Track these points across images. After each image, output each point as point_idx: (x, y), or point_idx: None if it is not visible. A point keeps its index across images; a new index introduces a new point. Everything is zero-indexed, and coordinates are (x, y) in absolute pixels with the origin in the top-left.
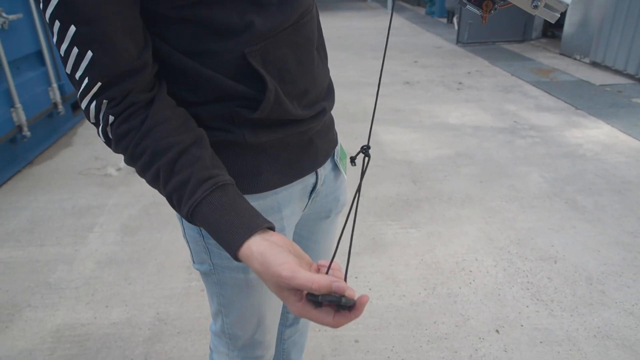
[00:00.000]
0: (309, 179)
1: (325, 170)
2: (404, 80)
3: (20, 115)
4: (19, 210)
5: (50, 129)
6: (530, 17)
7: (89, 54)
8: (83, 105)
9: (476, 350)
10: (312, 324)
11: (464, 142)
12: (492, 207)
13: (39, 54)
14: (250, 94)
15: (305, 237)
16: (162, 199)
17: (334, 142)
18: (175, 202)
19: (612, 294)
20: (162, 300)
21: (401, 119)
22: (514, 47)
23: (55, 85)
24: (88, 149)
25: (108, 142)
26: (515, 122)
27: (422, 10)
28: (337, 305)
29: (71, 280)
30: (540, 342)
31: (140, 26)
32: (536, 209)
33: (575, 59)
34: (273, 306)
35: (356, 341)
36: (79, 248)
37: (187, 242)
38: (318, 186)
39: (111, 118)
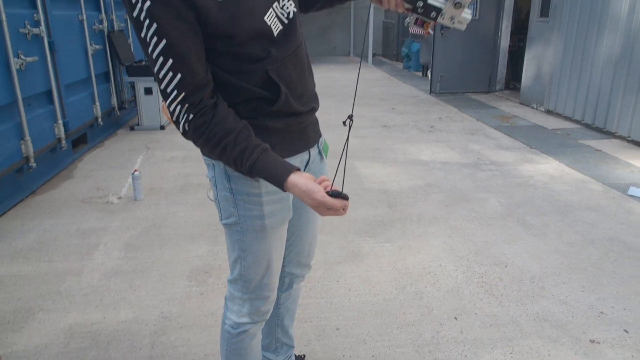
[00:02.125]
0: (304, 156)
1: (314, 152)
2: (383, 124)
3: (28, 147)
4: (25, 233)
5: (52, 163)
6: (494, 72)
7: (179, 75)
8: (170, 108)
9: (437, 332)
10: (299, 309)
11: (433, 175)
12: (455, 225)
13: (49, 93)
14: (270, 96)
15: (295, 206)
16: (162, 222)
17: (319, 134)
18: (238, 163)
19: (551, 289)
20: (165, 302)
21: (379, 156)
22: (480, 97)
23: (60, 122)
24: (89, 180)
25: (185, 133)
26: (478, 158)
27: (399, 65)
28: (341, 197)
29: (80, 288)
30: (490, 325)
31: (204, 56)
32: (492, 227)
33: (532, 107)
34: (278, 252)
35: (337, 329)
36: (86, 263)
37: (219, 202)
38: (309, 163)
39: (191, 115)
